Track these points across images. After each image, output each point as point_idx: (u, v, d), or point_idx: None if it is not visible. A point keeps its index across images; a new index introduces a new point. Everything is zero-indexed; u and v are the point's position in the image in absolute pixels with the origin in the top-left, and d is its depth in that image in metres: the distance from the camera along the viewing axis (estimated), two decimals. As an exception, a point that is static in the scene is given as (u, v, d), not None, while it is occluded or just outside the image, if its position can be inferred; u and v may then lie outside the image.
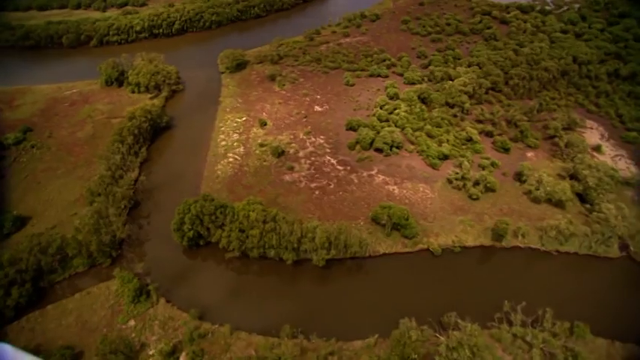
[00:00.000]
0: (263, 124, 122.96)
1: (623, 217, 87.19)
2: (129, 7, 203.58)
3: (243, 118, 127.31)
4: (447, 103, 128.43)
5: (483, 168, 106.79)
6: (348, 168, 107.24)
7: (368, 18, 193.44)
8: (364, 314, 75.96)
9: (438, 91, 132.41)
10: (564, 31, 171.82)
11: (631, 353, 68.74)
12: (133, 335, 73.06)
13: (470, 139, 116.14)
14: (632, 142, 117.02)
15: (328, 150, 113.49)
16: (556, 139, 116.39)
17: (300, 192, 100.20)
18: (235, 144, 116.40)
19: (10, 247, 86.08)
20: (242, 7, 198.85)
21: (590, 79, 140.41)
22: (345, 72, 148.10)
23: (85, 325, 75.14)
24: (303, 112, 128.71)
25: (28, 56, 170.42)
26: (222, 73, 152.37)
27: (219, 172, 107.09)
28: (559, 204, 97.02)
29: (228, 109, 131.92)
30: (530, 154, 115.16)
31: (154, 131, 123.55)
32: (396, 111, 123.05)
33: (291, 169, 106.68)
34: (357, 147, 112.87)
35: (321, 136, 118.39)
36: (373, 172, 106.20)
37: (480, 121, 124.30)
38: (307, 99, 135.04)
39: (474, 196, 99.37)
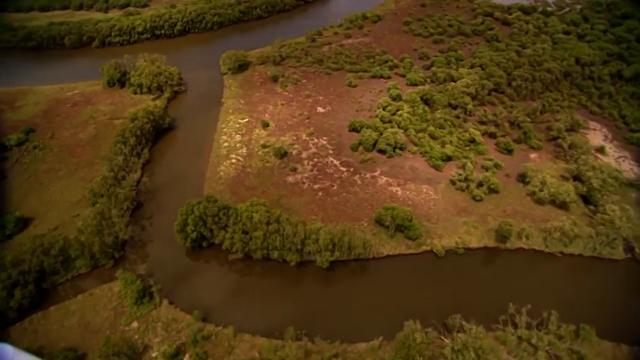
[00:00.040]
0: (265, 125, 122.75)
1: (628, 219, 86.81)
2: (131, 8, 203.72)
3: (246, 120, 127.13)
4: (450, 105, 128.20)
5: (486, 169, 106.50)
6: (351, 169, 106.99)
7: (370, 19, 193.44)
8: (368, 316, 75.60)
9: (440, 92, 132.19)
10: (567, 33, 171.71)
11: (637, 356, 68.33)
12: (136, 337, 72.75)
13: (473, 141, 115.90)
14: (636, 144, 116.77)
15: (331, 151, 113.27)
16: (559, 141, 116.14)
17: (303, 193, 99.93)
18: (238, 145, 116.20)
19: (13, 248, 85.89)
20: (244, 8, 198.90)
21: (593, 81, 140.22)
22: (347, 73, 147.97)
23: (88, 326, 74.86)
24: (305, 113, 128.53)
25: (30, 57, 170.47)
26: (225, 74, 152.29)
27: (221, 174, 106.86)
28: (563, 205, 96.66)
29: (230, 111, 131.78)
30: (533, 155, 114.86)
31: (157, 132, 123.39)
32: (399, 112, 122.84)
33: (294, 170, 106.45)
34: (360, 148, 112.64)
35: (324, 138, 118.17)
36: (376, 174, 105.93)
37: (482, 123, 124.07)
38: (310, 100, 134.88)
39: (478, 198, 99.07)
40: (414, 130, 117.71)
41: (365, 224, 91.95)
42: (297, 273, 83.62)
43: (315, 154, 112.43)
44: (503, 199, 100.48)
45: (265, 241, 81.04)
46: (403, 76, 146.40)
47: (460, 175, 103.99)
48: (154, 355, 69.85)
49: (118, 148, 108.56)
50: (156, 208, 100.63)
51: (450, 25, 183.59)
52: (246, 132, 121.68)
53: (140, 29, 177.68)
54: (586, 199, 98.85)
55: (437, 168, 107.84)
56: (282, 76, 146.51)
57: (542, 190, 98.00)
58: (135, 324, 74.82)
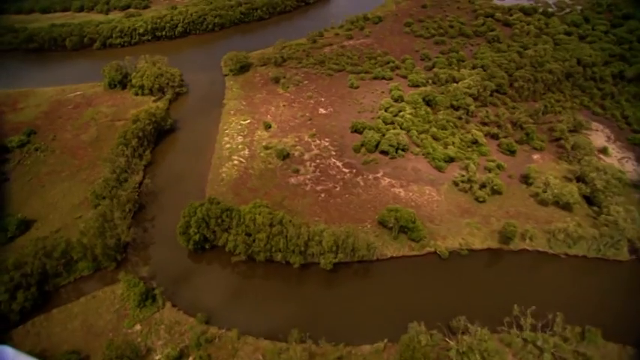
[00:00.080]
0: (267, 126, 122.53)
1: (632, 220, 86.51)
2: (132, 10, 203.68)
3: (248, 121, 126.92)
4: (452, 106, 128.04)
5: (489, 170, 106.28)
6: (354, 171, 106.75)
7: (371, 20, 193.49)
8: (372, 318, 75.24)
9: (442, 93, 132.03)
10: (568, 33, 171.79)
11: (643, 358, 68.05)
12: (139, 340, 72.36)
13: (475, 142, 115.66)
14: (639, 144, 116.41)
15: (333, 152, 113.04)
16: (562, 142, 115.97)
17: (305, 195, 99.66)
18: (240, 146, 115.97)
19: (15, 250, 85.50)
20: (245, 10, 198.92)
21: (595, 81, 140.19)
22: (349, 74, 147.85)
23: (91, 329, 74.48)
24: (307, 114, 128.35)
25: (32, 59, 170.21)
26: (226, 75, 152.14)
27: (223, 175, 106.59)
28: (566, 206, 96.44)
29: (232, 112, 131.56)
30: (536, 156, 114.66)
31: (158, 134, 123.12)
32: (401, 113, 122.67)
33: (297, 171, 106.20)
34: (363, 149, 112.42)
35: (326, 139, 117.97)
36: (379, 175, 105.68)
37: (485, 124, 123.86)
38: (312, 101, 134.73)
39: (481, 199, 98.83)
40: (417, 131, 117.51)
41: (368, 226, 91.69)
42: (301, 275, 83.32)
43: (318, 155, 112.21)
44: (506, 201, 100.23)
45: (268, 243, 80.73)
46: (405, 77, 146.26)
47: (463, 176, 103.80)
48: (157, 358, 69.49)
49: (120, 149, 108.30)
50: (158, 210, 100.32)
51: (451, 26, 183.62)
52: (248, 133, 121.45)
53: (141, 31, 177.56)
54: (589, 200, 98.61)
55: (439, 169, 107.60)
56: (284, 77, 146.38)
57: (545, 191, 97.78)
58: (138, 327, 74.47)
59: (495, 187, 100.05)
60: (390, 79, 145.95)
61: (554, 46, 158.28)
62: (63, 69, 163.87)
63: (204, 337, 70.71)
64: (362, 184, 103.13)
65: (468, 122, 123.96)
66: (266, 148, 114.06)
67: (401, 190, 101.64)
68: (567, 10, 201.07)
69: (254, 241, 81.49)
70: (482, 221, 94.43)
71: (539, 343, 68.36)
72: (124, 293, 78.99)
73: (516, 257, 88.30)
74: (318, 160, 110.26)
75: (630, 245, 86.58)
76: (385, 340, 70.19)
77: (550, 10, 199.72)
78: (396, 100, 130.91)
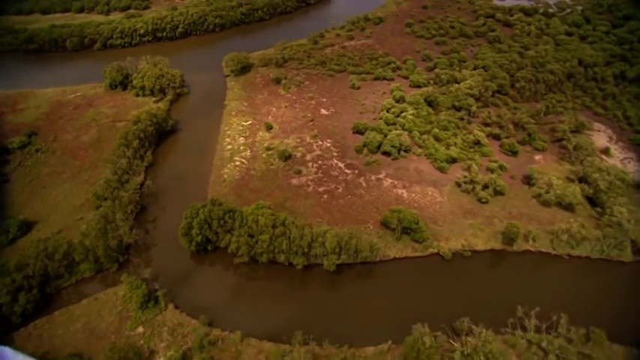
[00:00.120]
0: (269, 127, 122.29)
1: (635, 221, 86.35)
2: (132, 11, 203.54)
3: (249, 122, 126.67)
4: (454, 106, 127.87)
5: (492, 171, 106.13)
6: (356, 172, 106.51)
7: (371, 21, 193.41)
8: (375, 319, 74.96)
9: (444, 94, 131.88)
10: (569, 34, 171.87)
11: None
12: (142, 342, 71.99)
13: (477, 142, 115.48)
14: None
15: (335, 153, 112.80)
16: (564, 142, 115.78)
17: (308, 196, 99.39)
18: (241, 147, 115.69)
19: (17, 252, 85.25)
20: (245, 11, 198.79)
21: (597, 82, 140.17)
22: (350, 75, 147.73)
23: (93, 331, 74.12)
24: (309, 115, 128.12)
25: (32, 60, 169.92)
26: (227, 76, 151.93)
27: (225, 176, 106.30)
28: (569, 207, 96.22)
29: (233, 113, 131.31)
30: (538, 157, 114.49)
31: (159, 135, 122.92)
32: (403, 114, 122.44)
33: (299, 172, 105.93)
34: (365, 150, 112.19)
35: (328, 140, 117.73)
36: (381, 176, 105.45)
37: (487, 124, 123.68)
38: (313, 102, 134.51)
39: (483, 200, 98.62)
40: (418, 132, 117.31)
41: (371, 227, 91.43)
42: (304, 276, 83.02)
43: (320, 156, 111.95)
44: (508, 201, 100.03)
45: (271, 245, 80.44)
46: (406, 77, 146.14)
47: (465, 177, 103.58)
48: (160, 360, 69.14)
49: (122, 151, 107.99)
50: (159, 211, 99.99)
51: (452, 27, 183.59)
52: (250, 134, 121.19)
53: (142, 31, 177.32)
54: (592, 201, 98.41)
55: (442, 170, 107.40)
56: (285, 78, 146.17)
57: (548, 192, 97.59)
58: (140, 329, 74.10)
59: (498, 188, 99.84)
60: (392, 79, 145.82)
61: (555, 47, 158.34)
62: (63, 70, 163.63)
63: (207, 339, 70.37)
64: (364, 185, 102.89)
65: (469, 123, 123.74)
66: (268, 149, 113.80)
67: (403, 191, 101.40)
68: (568, 10, 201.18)
69: (257, 242, 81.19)
70: (485, 222, 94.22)
71: (543, 344, 68.12)
72: (126, 295, 78.64)
73: (519, 258, 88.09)
74: (320, 161, 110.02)
75: (634, 246, 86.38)
76: (389, 342, 69.86)
77: (550, 10, 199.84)
78: (397, 101, 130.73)
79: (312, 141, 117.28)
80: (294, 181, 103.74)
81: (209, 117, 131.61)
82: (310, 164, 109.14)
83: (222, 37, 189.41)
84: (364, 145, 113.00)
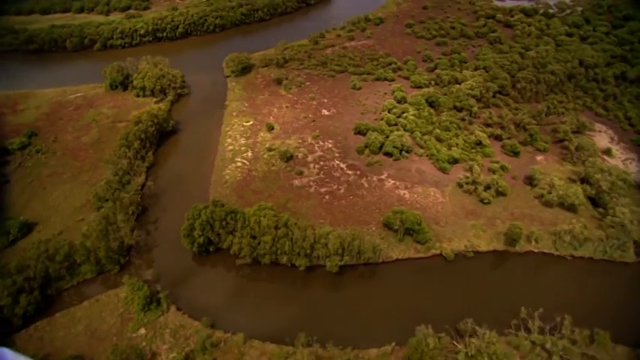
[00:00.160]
0: (270, 128, 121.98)
1: (638, 222, 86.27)
2: (132, 11, 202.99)
3: (250, 122, 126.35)
4: (455, 107, 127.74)
5: (493, 172, 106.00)
6: (358, 172, 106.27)
7: (372, 21, 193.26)
8: (378, 321, 74.71)
9: (445, 94, 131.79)
10: (569, 34, 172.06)
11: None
12: (144, 344, 71.57)
13: (479, 143, 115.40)
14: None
15: (337, 154, 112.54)
16: (565, 143, 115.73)
17: (310, 197, 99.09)
18: (243, 148, 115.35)
19: (17, 253, 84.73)
20: (246, 11, 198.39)
21: (598, 82, 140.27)
22: (351, 76, 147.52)
23: (95, 333, 73.66)
24: (310, 115, 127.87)
25: (32, 60, 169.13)
26: (228, 76, 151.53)
27: (227, 177, 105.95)
28: (571, 208, 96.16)
29: (234, 113, 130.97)
30: (539, 157, 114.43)
31: (160, 135, 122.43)
32: (404, 115, 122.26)
33: (301, 173, 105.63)
34: (366, 151, 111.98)
35: (330, 141, 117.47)
36: (383, 177, 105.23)
37: (488, 125, 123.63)
38: (314, 103, 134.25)
39: (486, 201, 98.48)
40: (420, 132, 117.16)
41: (373, 228, 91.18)
42: (306, 278, 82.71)
43: (321, 157, 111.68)
44: (511, 202, 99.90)
45: (274, 246, 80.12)
46: (407, 78, 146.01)
47: (467, 177, 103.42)
48: (162, 362, 68.73)
49: (123, 151, 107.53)
50: (161, 212, 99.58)
51: (453, 28, 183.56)
52: (251, 135, 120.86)
53: (142, 32, 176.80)
54: (594, 202, 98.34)
55: (444, 171, 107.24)
56: (286, 78, 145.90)
57: (550, 193, 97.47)
58: (142, 331, 73.68)
59: (500, 189, 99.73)
60: (393, 80, 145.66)
61: (556, 47, 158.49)
62: (63, 70, 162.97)
63: (209, 341, 70.01)
64: (366, 185, 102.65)
65: (471, 123, 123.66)
66: (269, 149, 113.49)
67: (405, 191, 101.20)
68: (568, 11, 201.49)
69: (259, 243, 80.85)
70: (488, 223, 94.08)
71: (547, 345, 67.93)
72: (127, 297, 78.19)
73: (522, 259, 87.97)
74: (321, 162, 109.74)
75: (637, 247, 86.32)
76: (393, 344, 69.62)
77: (551, 11, 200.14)
78: (399, 102, 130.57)
79: (313, 142, 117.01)
80: (296, 182, 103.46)
81: (210, 117, 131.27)
82: (312, 165, 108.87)
83: (223, 37, 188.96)
84: (366, 146, 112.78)
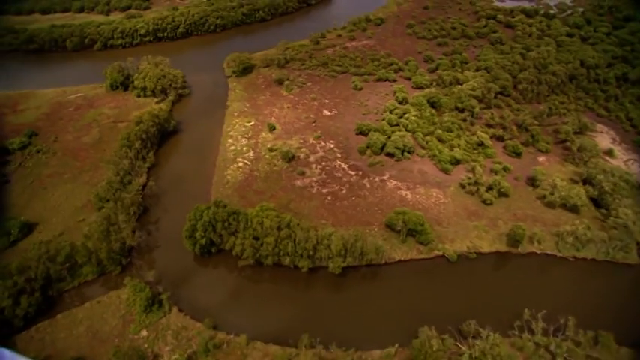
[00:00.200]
0: (272, 128, 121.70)
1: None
2: (132, 11, 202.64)
3: (252, 123, 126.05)
4: (457, 108, 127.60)
5: (495, 173, 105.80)
6: (360, 173, 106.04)
7: (373, 22, 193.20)
8: (382, 322, 74.45)
9: (446, 95, 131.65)
10: (570, 35, 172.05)
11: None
12: (146, 346, 71.21)
13: (481, 144, 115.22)
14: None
15: (339, 155, 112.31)
16: (567, 144, 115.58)
17: (312, 198, 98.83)
18: (244, 149, 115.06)
19: (18, 254, 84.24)
20: (246, 11, 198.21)
21: (599, 83, 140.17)
22: (352, 76, 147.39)
23: (96, 335, 73.28)
24: (312, 116, 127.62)
25: (32, 60, 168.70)
26: (229, 76, 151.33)
27: (228, 178, 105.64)
28: (574, 209, 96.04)
29: (235, 114, 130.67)
30: (541, 158, 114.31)
31: (161, 136, 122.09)
32: (406, 115, 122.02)
33: (302, 174, 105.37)
34: (368, 152, 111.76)
35: (331, 141, 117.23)
36: (385, 178, 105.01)
37: (490, 126, 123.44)
38: (316, 103, 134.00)
39: (488, 201, 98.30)
40: (422, 133, 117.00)
41: (375, 229, 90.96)
42: (308, 279, 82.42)
43: (323, 157, 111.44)
44: (513, 203, 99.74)
45: (276, 247, 79.84)
46: (409, 79, 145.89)
47: (469, 178, 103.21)
48: (164, 364, 68.38)
49: (124, 152, 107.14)
50: (162, 212, 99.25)
51: (454, 28, 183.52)
52: (253, 135, 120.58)
53: (143, 32, 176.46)
54: (596, 203, 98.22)
55: (446, 172, 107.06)
56: (287, 79, 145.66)
57: (552, 194, 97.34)
58: (144, 332, 73.32)
59: (502, 190, 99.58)
60: (394, 80, 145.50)
61: (557, 48, 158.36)
62: (64, 70, 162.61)
63: (212, 343, 69.63)
64: (368, 186, 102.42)
65: (472, 124, 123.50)
66: (271, 150, 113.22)
67: (407, 192, 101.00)
68: (568, 11, 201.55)
69: (262, 244, 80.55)
70: (490, 224, 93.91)
71: (551, 347, 67.75)
72: (129, 298, 77.78)
73: (524, 260, 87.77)
74: (323, 163, 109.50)
75: (639, 248, 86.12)
76: (396, 345, 69.32)
77: (551, 12, 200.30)
78: (400, 102, 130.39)
79: (315, 142, 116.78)
80: (298, 183, 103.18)
81: (211, 118, 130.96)
82: (314, 165, 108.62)
83: (224, 37, 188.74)
84: (368, 147, 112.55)
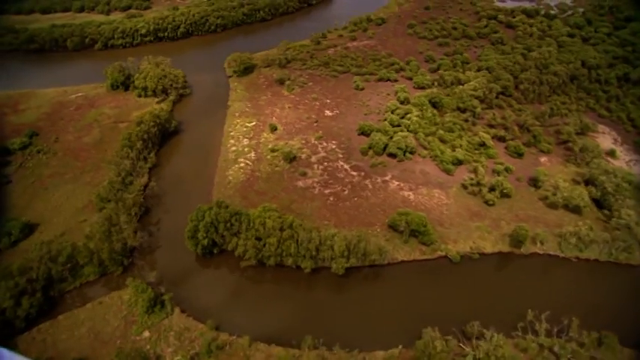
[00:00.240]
0: (273, 128, 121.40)
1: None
2: (133, 11, 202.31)
3: (253, 123, 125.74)
4: (458, 108, 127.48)
5: (498, 173, 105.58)
6: (362, 173, 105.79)
7: (374, 22, 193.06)
8: (385, 323, 74.19)
9: (448, 95, 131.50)
10: (571, 35, 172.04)
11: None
12: (148, 347, 70.86)
13: (483, 144, 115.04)
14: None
15: (341, 155, 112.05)
16: (569, 144, 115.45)
17: (314, 198, 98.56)
18: (246, 149, 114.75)
19: (19, 254, 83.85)
20: (247, 11, 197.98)
21: (600, 84, 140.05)
22: (354, 76, 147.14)
23: (98, 336, 72.90)
24: (313, 116, 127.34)
25: (32, 59, 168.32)
26: (230, 76, 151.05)
27: (230, 178, 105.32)
28: (576, 210, 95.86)
29: (237, 114, 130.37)
30: (543, 159, 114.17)
31: (162, 136, 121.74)
32: (408, 115, 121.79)
33: (304, 174, 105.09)
34: (370, 152, 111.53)
35: (333, 141, 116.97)
36: (387, 178, 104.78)
37: (491, 126, 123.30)
38: (317, 103, 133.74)
39: (490, 202, 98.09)
40: (424, 133, 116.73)
41: (378, 229, 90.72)
42: (311, 279, 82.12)
43: (325, 158, 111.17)
44: (515, 204, 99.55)
45: (279, 248, 79.55)
46: (410, 79, 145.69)
47: (472, 179, 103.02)
48: (167, 365, 68.08)
49: (125, 152, 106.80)
50: (164, 213, 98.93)
51: (455, 28, 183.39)
52: (254, 135, 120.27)
53: (143, 32, 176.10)
54: (599, 204, 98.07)
55: (448, 172, 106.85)
56: (289, 79, 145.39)
57: (555, 195, 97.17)
58: (146, 333, 72.99)
59: (504, 190, 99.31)
60: (395, 80, 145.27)
61: (558, 49, 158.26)
62: (64, 70, 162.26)
63: (215, 344, 69.29)
64: (370, 187, 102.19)
65: (474, 125, 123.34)
66: (272, 150, 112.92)
67: (410, 193, 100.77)
68: (569, 12, 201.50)
69: (264, 245, 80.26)
70: (493, 225, 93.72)
71: (555, 349, 67.55)
72: (131, 299, 77.39)
73: (527, 261, 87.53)
74: (325, 163, 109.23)
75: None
76: (400, 347, 69.08)
77: (552, 12, 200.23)
78: (402, 102, 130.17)
79: (316, 142, 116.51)
80: (300, 183, 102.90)
81: (212, 118, 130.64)
82: (315, 166, 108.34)
83: (224, 37, 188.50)
84: (370, 147, 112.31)
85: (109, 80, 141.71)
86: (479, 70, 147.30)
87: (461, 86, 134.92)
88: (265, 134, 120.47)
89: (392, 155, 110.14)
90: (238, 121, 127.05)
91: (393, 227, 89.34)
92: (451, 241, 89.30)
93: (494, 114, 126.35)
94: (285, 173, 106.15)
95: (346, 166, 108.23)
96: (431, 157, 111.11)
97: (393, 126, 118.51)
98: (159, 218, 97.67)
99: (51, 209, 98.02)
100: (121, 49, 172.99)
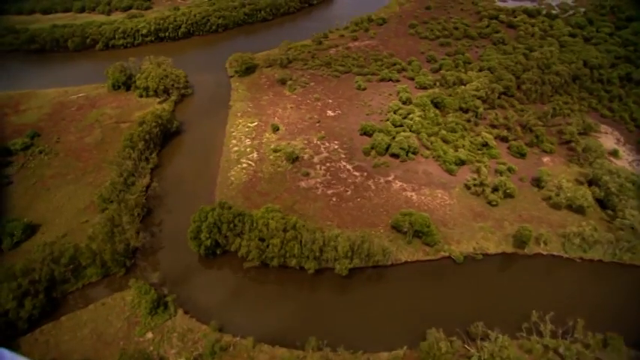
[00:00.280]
0: (275, 129, 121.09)
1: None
2: (134, 11, 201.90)
3: (255, 123, 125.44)
4: (461, 108, 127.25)
5: (500, 173, 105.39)
6: (365, 174, 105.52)
7: (375, 22, 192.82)
8: (389, 324, 73.94)
9: (450, 95, 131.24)
10: (572, 35, 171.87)
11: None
12: (151, 348, 70.60)
13: (485, 144, 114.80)
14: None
15: (343, 155, 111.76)
16: (572, 144, 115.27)
17: (317, 199, 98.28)
18: (248, 149, 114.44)
19: (21, 256, 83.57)
20: (248, 11, 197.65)
21: (602, 84, 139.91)
22: (355, 76, 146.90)
23: (101, 337, 72.64)
24: (315, 116, 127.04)
25: (33, 60, 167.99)
26: (231, 76, 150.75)
27: (232, 179, 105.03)
28: (580, 210, 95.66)
29: (239, 114, 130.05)
30: (546, 159, 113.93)
31: (164, 136, 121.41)
32: (410, 116, 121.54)
33: (307, 175, 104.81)
34: (373, 152, 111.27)
35: (335, 142, 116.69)
36: (390, 178, 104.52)
37: (494, 126, 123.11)
38: (319, 103, 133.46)
39: (493, 202, 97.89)
40: (426, 133, 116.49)
41: (381, 230, 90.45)
42: (315, 280, 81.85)
43: (327, 158, 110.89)
44: (518, 204, 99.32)
45: (283, 249, 79.26)
46: (412, 79, 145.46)
47: (475, 179, 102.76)
48: (170, 367, 67.83)
49: (127, 152, 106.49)
50: (166, 213, 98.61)
51: (456, 28, 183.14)
52: (256, 136, 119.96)
53: (144, 32, 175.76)
54: (602, 204, 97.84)
55: (450, 172, 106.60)
56: (290, 79, 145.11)
57: (558, 195, 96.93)
58: (149, 335, 72.71)
59: (507, 191, 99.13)
60: (397, 80, 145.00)
61: (560, 48, 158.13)
62: (65, 70, 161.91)
63: (218, 346, 69.07)
64: (373, 187, 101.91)
65: (477, 125, 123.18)
66: (275, 150, 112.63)
67: (413, 193, 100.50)
68: (571, 12, 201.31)
69: (267, 246, 79.97)
70: (496, 225, 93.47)
71: (560, 350, 67.31)
72: (134, 300, 77.11)
73: (531, 261, 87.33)
74: (328, 163, 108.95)
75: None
76: (404, 348, 68.80)
77: (553, 12, 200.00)
78: (404, 102, 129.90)
79: (319, 142, 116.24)
80: (303, 184, 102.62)
81: (214, 118, 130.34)
82: (318, 166, 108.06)
83: (225, 37, 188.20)
84: (372, 147, 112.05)
85: (110, 80, 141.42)
86: (481, 70, 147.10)
87: (463, 86, 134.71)
88: (267, 134, 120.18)
89: (394, 155, 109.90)
90: (240, 121, 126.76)
91: (396, 228, 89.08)
92: (454, 241, 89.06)
93: (496, 114, 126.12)
94: (287, 174, 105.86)
95: (349, 167, 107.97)
96: (433, 157, 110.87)
97: (396, 126, 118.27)
98: (161, 219, 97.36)
99: (53, 210, 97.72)
100: (122, 49, 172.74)
